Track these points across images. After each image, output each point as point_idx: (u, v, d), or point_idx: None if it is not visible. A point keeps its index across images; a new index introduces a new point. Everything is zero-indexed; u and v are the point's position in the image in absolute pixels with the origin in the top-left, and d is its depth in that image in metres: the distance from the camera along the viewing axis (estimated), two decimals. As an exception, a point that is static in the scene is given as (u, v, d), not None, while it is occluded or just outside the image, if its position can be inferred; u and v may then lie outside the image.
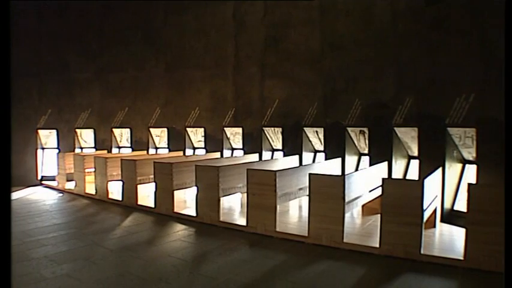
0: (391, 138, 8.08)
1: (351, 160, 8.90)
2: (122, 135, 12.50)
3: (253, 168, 6.84)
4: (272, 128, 9.92)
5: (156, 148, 11.98)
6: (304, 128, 9.40)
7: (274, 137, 10.00)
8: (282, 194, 6.44)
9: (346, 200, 5.74)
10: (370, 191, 6.93)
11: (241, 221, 6.98)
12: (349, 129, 8.79)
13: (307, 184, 6.09)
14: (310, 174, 6.03)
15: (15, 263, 5.36)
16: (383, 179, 5.51)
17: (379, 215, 5.59)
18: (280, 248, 5.86)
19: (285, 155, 9.54)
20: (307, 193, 6.12)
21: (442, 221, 7.03)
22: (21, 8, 12.13)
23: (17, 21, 12.18)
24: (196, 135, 11.26)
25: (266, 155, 10.06)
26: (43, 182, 12.40)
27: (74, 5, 12.40)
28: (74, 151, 12.34)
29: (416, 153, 8.00)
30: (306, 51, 9.35)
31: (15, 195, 10.51)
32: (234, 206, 8.48)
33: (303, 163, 9.32)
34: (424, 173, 6.91)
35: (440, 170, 6.99)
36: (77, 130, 12.72)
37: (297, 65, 9.48)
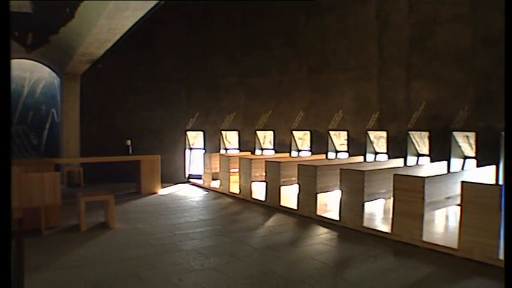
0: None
1: (507, 168, 8.15)
2: (265, 137, 12.91)
3: (401, 174, 6.61)
4: (418, 132, 9.48)
5: (299, 150, 12.16)
6: (453, 132, 8.83)
7: (421, 141, 9.55)
8: (429, 202, 6.15)
9: (503, 212, 5.30)
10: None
11: (385, 228, 6.80)
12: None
13: (457, 193, 5.75)
14: (463, 182, 5.66)
15: (168, 253, 5.85)
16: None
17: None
18: (426, 259, 5.58)
19: (432, 161, 9.07)
20: (456, 202, 5.76)
21: None
22: (173, 19, 13.15)
23: (169, 31, 13.27)
24: (339, 138, 11.20)
25: (411, 160, 9.66)
26: (190, 180, 13.32)
27: (219, 14, 13.19)
28: (219, 152, 13.06)
29: None
30: (455, 49, 8.77)
31: (165, 191, 11.43)
32: (376, 212, 8.28)
33: (452, 170, 8.77)
34: None
35: None
36: (222, 132, 13.44)
37: (446, 64, 8.95)
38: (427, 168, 8.38)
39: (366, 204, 7.09)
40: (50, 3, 9.36)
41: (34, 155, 13.46)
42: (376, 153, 10.52)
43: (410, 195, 6.18)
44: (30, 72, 13.37)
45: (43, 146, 13.63)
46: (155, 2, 7.36)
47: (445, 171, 8.57)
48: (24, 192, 6.77)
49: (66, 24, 9.96)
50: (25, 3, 9.39)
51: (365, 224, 7.02)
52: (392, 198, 6.60)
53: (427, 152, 9.35)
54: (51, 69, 13.31)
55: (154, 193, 11.05)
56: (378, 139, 10.37)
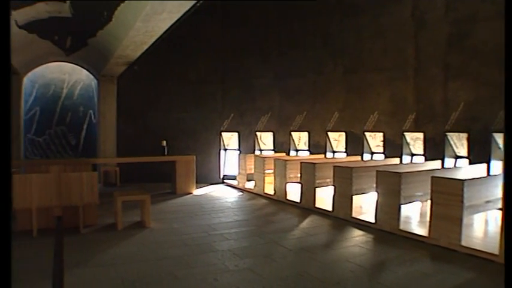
0: None
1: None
2: (300, 138, 12.87)
3: (439, 176, 6.47)
4: (456, 134, 9.27)
5: (333, 152, 12.07)
6: (494, 134, 8.59)
7: (459, 143, 9.34)
8: (468, 206, 6.00)
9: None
10: None
11: (422, 231, 6.69)
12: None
13: (498, 196, 5.60)
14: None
15: (203, 253, 5.91)
16: None
17: None
18: (465, 264, 5.45)
19: (470, 163, 8.85)
20: (497, 206, 5.60)
21: None
22: (207, 21, 13.27)
23: (203, 32, 13.39)
24: (374, 140, 11.07)
25: (449, 162, 9.45)
26: (224, 180, 13.41)
27: (253, 15, 13.24)
28: (253, 153, 13.09)
29: None
30: (495, 48, 8.48)
31: (200, 192, 11.54)
32: (412, 215, 8.15)
33: (492, 173, 8.51)
34: None
35: None
36: (257, 133, 13.47)
37: (485, 63, 8.71)
38: (466, 170, 8.20)
39: (402, 207, 6.99)
40: (88, 7, 9.58)
41: (72, 155, 13.82)
42: (413, 155, 10.35)
43: (449, 198, 6.05)
44: (68, 75, 13.74)
45: (81, 146, 13.98)
46: (191, 4, 7.43)
47: (485, 174, 8.34)
48: (63, 191, 6.97)
49: (104, 27, 10.18)
50: (65, 8, 9.64)
51: (401, 227, 6.92)
52: (429, 201, 6.50)
53: (465, 154, 9.14)
54: (88, 71, 13.64)
55: (190, 193, 11.17)
56: (415, 140, 10.19)
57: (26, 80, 12.87)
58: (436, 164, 9.16)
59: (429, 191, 6.43)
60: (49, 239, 6.30)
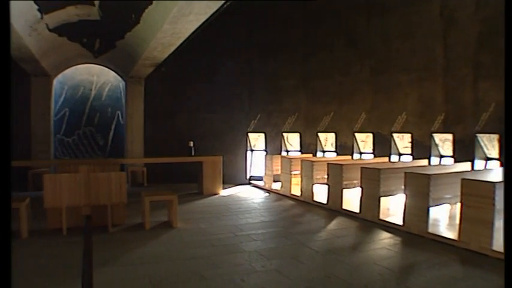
0: None
1: None
2: (327, 139, 12.80)
3: (469, 178, 6.34)
4: (487, 135, 9.06)
5: (361, 153, 11.97)
6: (527, 135, 8.36)
7: (489, 144, 9.13)
8: (500, 209, 5.85)
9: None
10: None
11: (451, 235, 6.56)
12: None
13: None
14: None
15: (230, 254, 5.93)
16: None
17: None
18: (496, 269, 5.29)
19: (502, 165, 8.64)
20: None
21: None
22: (234, 22, 13.27)
23: (230, 33, 13.43)
24: (402, 141, 10.92)
25: (479, 164, 9.24)
26: (251, 181, 13.44)
27: (279, 17, 13.24)
28: (280, 154, 13.08)
29: None
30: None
31: (226, 192, 11.60)
32: (441, 218, 8.01)
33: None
34: None
35: None
36: (283, 134, 13.45)
37: (518, 63, 8.50)
38: (497, 172, 8.02)
39: (431, 209, 6.87)
40: (116, 10, 9.71)
41: (100, 155, 14.04)
42: (441, 156, 10.16)
43: (479, 201, 5.91)
44: (97, 76, 13.98)
45: (109, 146, 14.19)
46: (218, 5, 7.46)
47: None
48: (92, 190, 7.08)
49: (132, 29, 10.31)
50: (94, 11, 9.80)
51: (430, 229, 6.81)
52: (458, 204, 6.38)
53: (496, 156, 8.92)
54: (116, 73, 13.84)
55: (216, 194, 11.22)
56: (444, 142, 10.01)
57: (56, 81, 13.13)
58: (465, 166, 8.97)
59: (458, 194, 6.31)
60: (78, 237, 6.41)
